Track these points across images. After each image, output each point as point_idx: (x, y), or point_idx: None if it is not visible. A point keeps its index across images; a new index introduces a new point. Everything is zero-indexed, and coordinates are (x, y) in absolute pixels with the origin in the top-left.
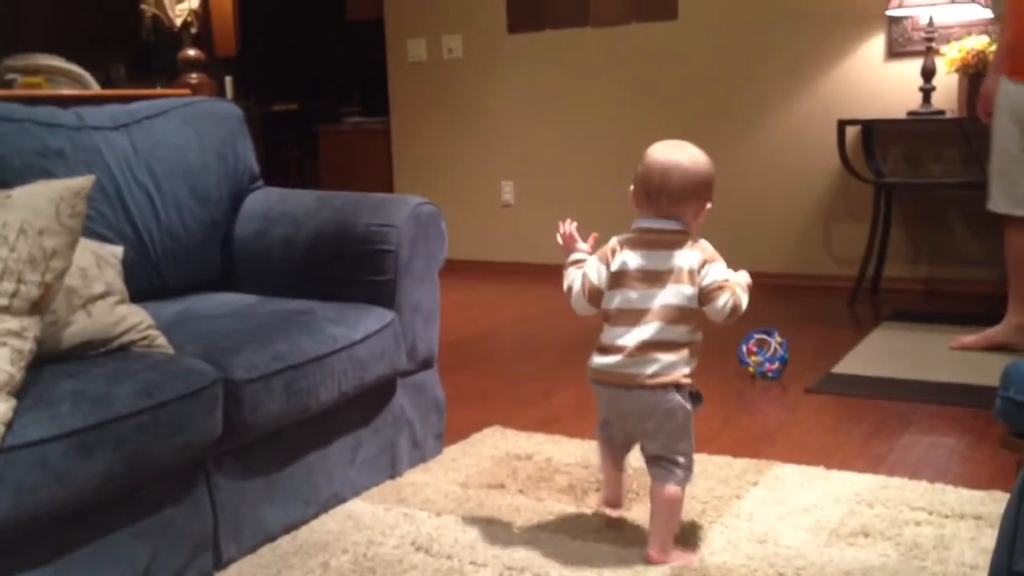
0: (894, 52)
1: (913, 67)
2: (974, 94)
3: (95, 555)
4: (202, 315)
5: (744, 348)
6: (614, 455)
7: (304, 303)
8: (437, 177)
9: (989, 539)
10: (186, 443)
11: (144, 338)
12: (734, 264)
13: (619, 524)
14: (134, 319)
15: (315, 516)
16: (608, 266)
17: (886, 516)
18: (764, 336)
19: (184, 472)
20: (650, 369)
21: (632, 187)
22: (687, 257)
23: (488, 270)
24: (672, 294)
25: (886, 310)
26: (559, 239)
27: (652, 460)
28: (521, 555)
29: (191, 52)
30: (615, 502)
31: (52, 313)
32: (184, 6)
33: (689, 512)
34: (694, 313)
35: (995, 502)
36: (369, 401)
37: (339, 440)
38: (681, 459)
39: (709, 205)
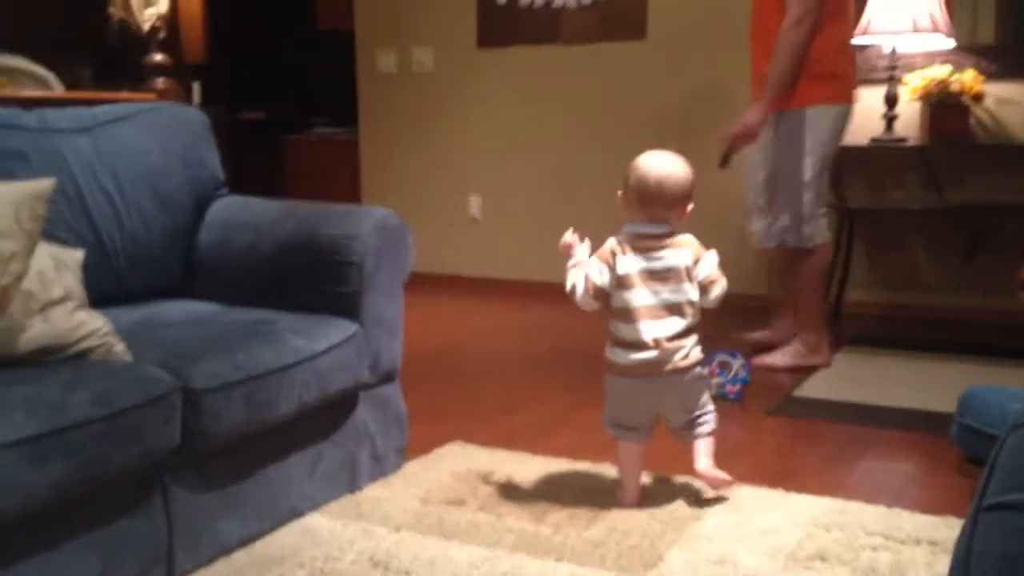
0: (858, 79)
1: (876, 94)
2: (935, 123)
3: (46, 565)
4: (163, 322)
5: (706, 369)
6: (638, 447)
7: (266, 313)
8: (405, 190)
9: (944, 565)
10: (143, 453)
11: (102, 344)
12: None
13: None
14: (92, 325)
15: (272, 530)
16: (612, 268)
17: (843, 540)
18: (727, 358)
19: (140, 482)
20: (680, 355)
21: (621, 193)
22: (682, 256)
23: (454, 284)
24: (682, 291)
25: (848, 334)
26: (561, 248)
27: (688, 424)
28: (479, 573)
29: (157, 57)
30: (637, 498)
31: (8, 317)
32: (152, 11)
33: (648, 533)
34: (696, 303)
35: (950, 528)
36: (330, 414)
37: (299, 453)
38: (710, 408)
39: (691, 205)
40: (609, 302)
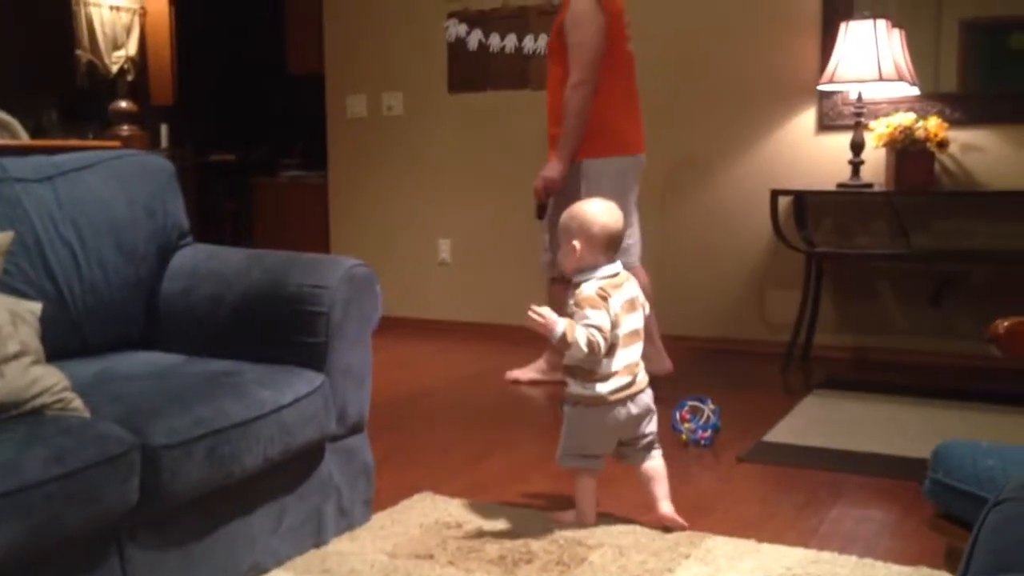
0: (825, 125)
1: (842, 140)
2: (901, 169)
3: None
4: (122, 376)
5: (678, 415)
6: (595, 478)
7: (231, 364)
8: (374, 233)
9: None
10: (99, 513)
11: (59, 401)
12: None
13: None
14: (48, 381)
15: None
16: (610, 313)
17: None
18: (698, 403)
19: (95, 543)
20: (642, 375)
21: (578, 244)
22: (634, 287)
23: (423, 328)
24: (640, 316)
25: (816, 377)
26: (541, 329)
27: (645, 447)
28: None
29: (123, 104)
30: (593, 517)
31: None
32: (121, 53)
33: None
34: None
35: None
36: (296, 467)
37: (263, 507)
38: (655, 428)
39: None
40: None
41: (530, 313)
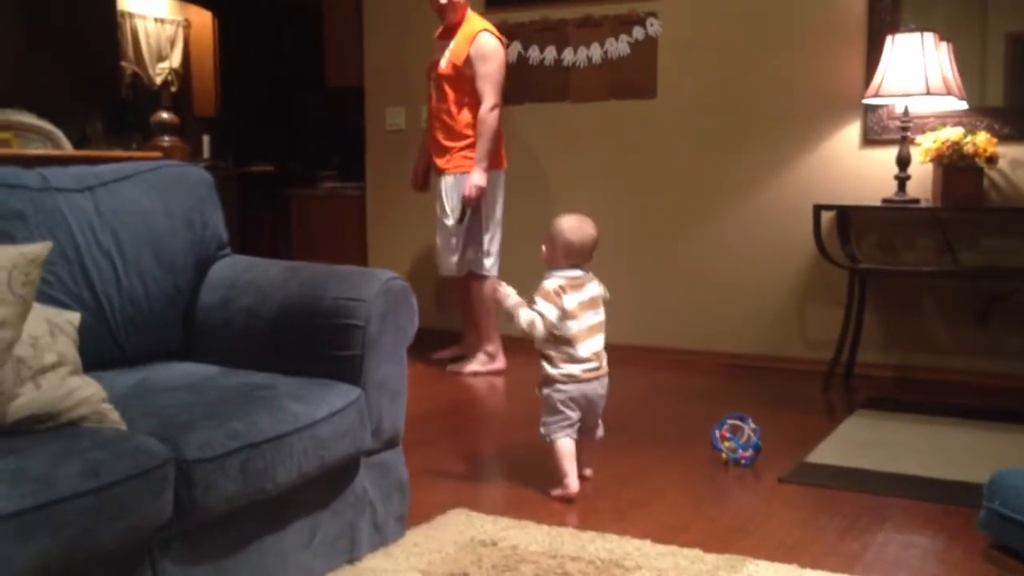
0: (869, 139)
1: (888, 155)
2: (948, 184)
3: None
4: (159, 387)
5: (717, 433)
6: (573, 441)
7: (266, 377)
8: (411, 244)
9: None
10: (132, 527)
11: (95, 412)
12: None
13: None
14: (86, 392)
15: None
16: (559, 307)
17: None
18: (738, 422)
19: (128, 556)
20: (604, 362)
21: (546, 249)
22: (596, 288)
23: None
24: (601, 313)
25: (859, 397)
26: (497, 296)
27: (596, 424)
28: None
29: (164, 115)
30: (577, 483)
31: None
32: (165, 65)
33: None
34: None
35: None
36: (330, 481)
37: (296, 522)
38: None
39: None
40: (553, 332)
41: (497, 286)
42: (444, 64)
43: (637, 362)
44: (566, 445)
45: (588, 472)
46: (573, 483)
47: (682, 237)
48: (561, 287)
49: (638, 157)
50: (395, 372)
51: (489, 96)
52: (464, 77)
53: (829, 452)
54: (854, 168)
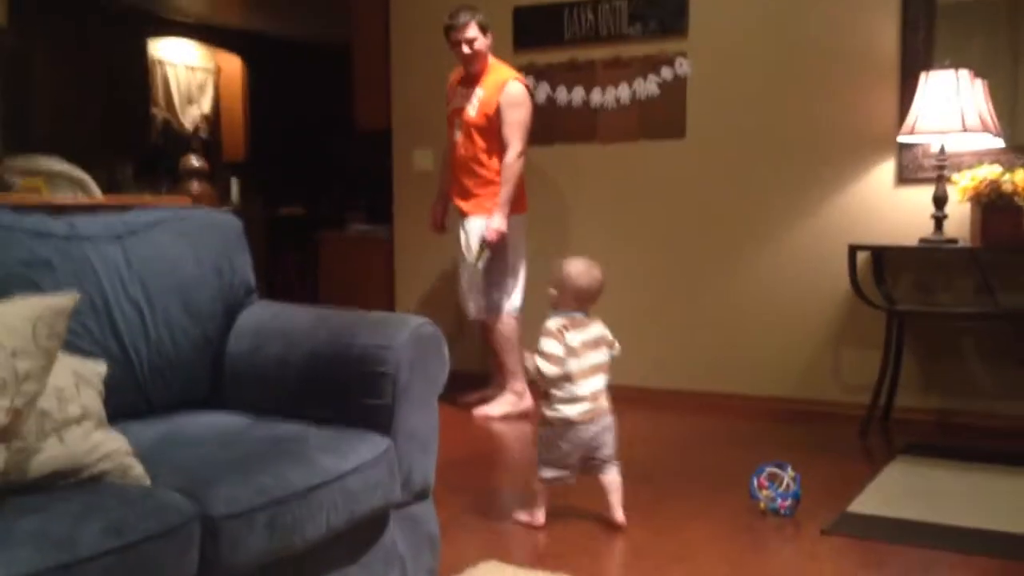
0: (904, 178)
1: (922, 193)
2: (987, 223)
3: None
4: (185, 439)
5: (755, 481)
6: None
7: (295, 427)
8: (439, 287)
9: None
10: None
11: (119, 467)
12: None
13: None
14: (110, 446)
15: None
16: (563, 344)
17: None
18: (776, 469)
19: None
20: (604, 401)
21: (555, 292)
22: (600, 329)
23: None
24: (604, 355)
25: (899, 442)
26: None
27: (605, 463)
28: None
29: (193, 161)
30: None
31: (20, 439)
32: (195, 111)
33: None
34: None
35: None
36: (358, 535)
37: None
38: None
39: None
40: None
41: (528, 354)
42: (474, 113)
43: (669, 406)
44: (547, 482)
45: (619, 518)
46: (540, 518)
47: (714, 278)
48: (564, 325)
49: (668, 198)
50: (425, 421)
51: (516, 143)
52: (495, 126)
53: (871, 502)
54: (889, 207)
